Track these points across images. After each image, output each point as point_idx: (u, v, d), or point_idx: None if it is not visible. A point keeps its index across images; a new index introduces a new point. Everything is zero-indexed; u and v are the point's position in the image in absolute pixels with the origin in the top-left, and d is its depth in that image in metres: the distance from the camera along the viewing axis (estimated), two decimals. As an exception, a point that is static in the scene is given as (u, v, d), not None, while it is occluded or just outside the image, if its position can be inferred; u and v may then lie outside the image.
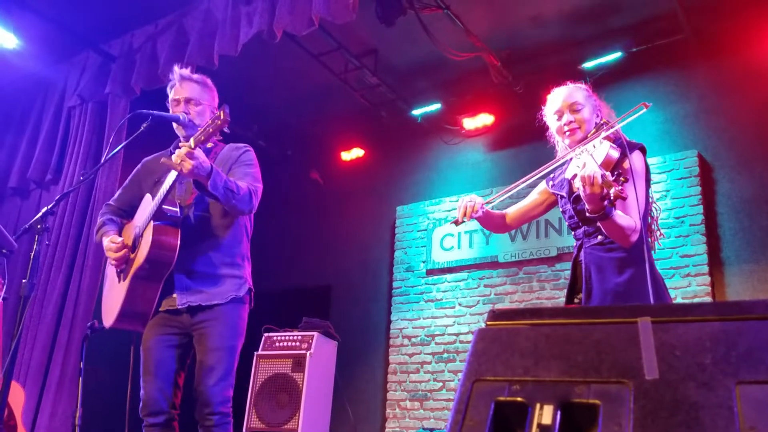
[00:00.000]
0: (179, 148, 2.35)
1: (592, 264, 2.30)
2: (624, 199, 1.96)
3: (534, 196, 2.65)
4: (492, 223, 2.63)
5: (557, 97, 2.43)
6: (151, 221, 2.47)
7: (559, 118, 2.40)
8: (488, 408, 0.95)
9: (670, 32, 4.91)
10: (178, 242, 2.45)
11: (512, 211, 2.66)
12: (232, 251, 2.59)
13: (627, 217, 2.14)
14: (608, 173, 2.00)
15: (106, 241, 2.59)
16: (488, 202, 2.47)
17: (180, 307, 2.50)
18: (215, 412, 2.39)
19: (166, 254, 2.44)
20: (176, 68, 2.78)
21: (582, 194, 2.07)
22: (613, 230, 2.14)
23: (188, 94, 2.69)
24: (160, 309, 2.53)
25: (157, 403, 2.46)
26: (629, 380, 0.90)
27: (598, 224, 2.25)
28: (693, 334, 0.93)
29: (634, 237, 2.14)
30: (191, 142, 2.35)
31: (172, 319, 2.54)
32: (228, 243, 2.59)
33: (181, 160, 2.27)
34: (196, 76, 2.76)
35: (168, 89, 2.78)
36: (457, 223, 2.42)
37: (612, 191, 1.93)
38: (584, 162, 2.10)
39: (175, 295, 2.50)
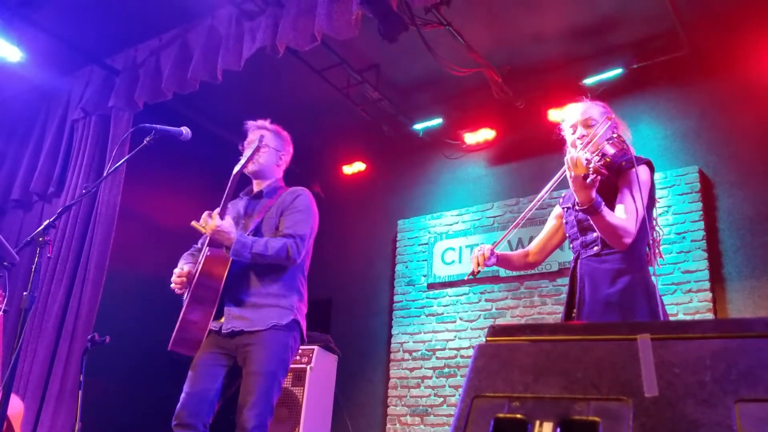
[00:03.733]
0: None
1: (586, 275, 2.32)
2: (603, 174, 2.05)
3: (552, 222, 2.67)
4: (512, 264, 2.71)
5: (574, 112, 2.50)
6: (207, 248, 2.66)
7: (574, 131, 2.46)
8: (488, 425, 0.95)
9: (670, 49, 4.94)
10: (226, 271, 2.64)
11: (533, 245, 2.70)
12: (280, 283, 2.75)
13: (621, 219, 2.17)
14: (595, 157, 2.10)
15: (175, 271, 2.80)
16: (495, 245, 2.54)
17: (224, 331, 2.66)
18: None
19: (212, 283, 2.63)
20: (250, 122, 3.05)
21: (570, 182, 2.12)
22: (604, 228, 2.17)
23: (255, 137, 2.93)
24: (211, 329, 2.68)
25: (189, 416, 2.56)
26: (629, 397, 0.90)
27: (595, 235, 2.27)
28: (693, 352, 0.93)
29: (628, 240, 2.16)
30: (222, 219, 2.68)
31: (219, 341, 2.69)
32: (277, 275, 2.75)
33: (206, 225, 2.63)
34: (270, 125, 3.03)
35: None
36: (473, 274, 2.50)
37: (591, 165, 2.03)
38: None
39: (222, 320, 2.68)
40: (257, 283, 2.72)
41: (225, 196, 2.68)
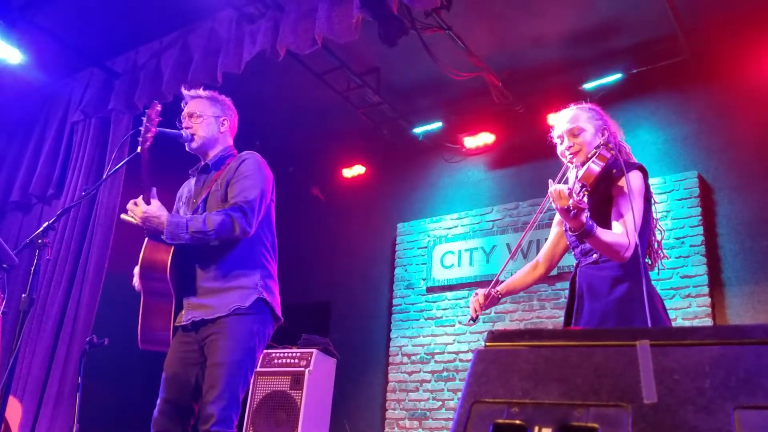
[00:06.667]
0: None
1: (585, 283, 2.31)
2: (581, 209, 2.03)
3: (555, 229, 2.66)
4: (520, 286, 2.70)
5: (559, 122, 2.46)
6: (146, 237, 2.48)
7: (561, 142, 2.43)
8: (487, 430, 0.94)
9: (670, 54, 4.95)
10: (169, 257, 2.44)
11: (542, 254, 2.68)
12: (237, 261, 2.54)
13: (616, 234, 2.14)
14: (577, 186, 2.08)
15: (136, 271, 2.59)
16: (492, 287, 2.57)
17: (185, 323, 2.50)
18: (210, 431, 2.33)
19: (156, 273, 2.44)
20: (184, 89, 2.86)
21: (558, 213, 2.11)
22: (601, 247, 2.16)
23: (191, 109, 2.76)
24: (176, 324, 2.54)
25: (165, 422, 2.44)
26: (628, 404, 0.90)
27: None
28: (692, 358, 0.93)
29: (627, 253, 2.13)
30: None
31: (186, 336, 2.54)
32: (235, 253, 2.54)
33: (133, 214, 2.45)
34: (203, 92, 2.82)
35: None
36: (473, 320, 2.55)
37: (570, 203, 2.01)
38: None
39: (182, 312, 2.53)
40: (211, 266, 2.51)
41: (142, 178, 2.48)
